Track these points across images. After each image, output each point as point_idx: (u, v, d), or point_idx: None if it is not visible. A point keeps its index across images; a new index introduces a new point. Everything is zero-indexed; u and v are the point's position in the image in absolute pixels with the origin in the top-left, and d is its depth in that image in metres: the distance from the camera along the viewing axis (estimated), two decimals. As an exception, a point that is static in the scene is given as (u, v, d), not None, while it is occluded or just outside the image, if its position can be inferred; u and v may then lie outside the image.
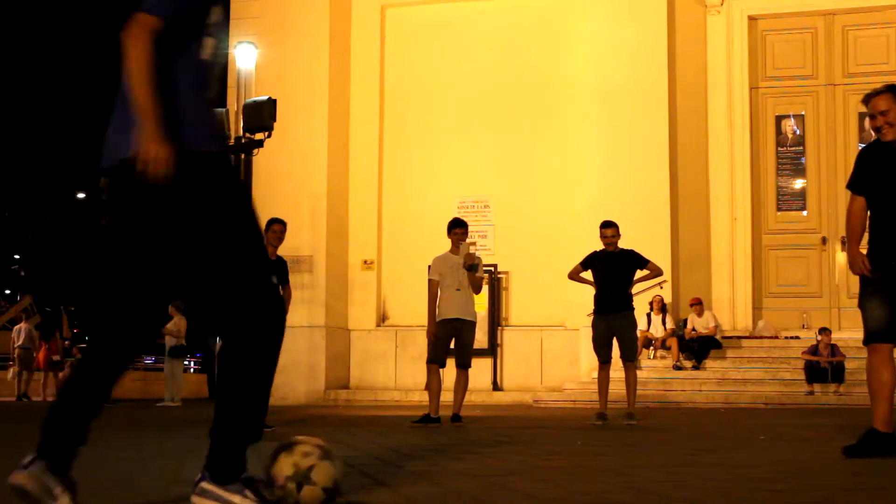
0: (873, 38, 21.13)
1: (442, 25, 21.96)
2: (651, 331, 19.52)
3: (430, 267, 13.26)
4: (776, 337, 19.80)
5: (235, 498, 4.20)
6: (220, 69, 4.38)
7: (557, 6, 21.32)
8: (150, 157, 3.83)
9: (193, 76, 4.18)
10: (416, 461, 7.36)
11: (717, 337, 19.61)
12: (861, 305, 7.05)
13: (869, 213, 7.14)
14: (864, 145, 7.59)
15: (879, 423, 6.74)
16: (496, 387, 20.73)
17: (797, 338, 19.25)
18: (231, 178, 4.24)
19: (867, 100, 7.02)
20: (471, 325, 12.96)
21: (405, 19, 22.35)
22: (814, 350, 17.94)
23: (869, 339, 6.96)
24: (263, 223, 12.28)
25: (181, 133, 3.99)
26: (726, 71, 21.06)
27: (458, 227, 12.91)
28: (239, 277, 4.22)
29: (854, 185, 7.23)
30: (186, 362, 36.43)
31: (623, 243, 12.97)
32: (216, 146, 4.21)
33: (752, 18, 21.23)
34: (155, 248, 4.16)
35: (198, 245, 4.09)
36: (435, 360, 12.87)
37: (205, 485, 4.27)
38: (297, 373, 20.29)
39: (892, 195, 6.95)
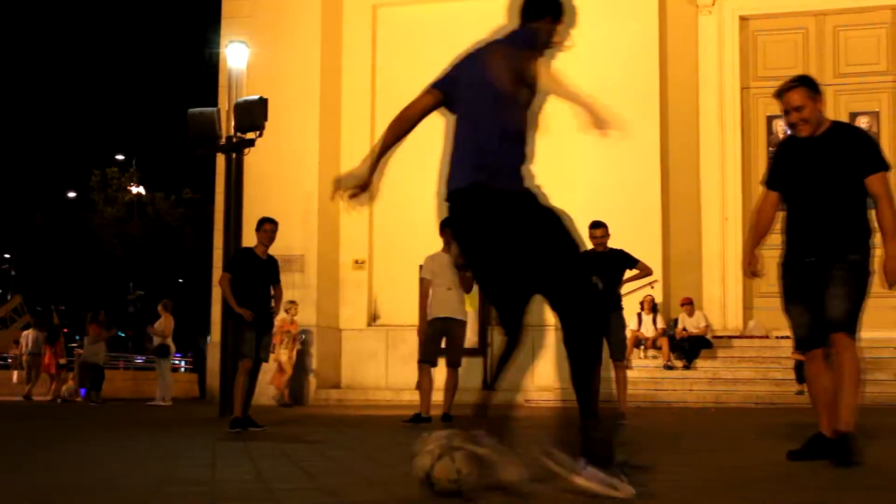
0: (864, 39, 21.21)
1: (434, 25, 21.94)
2: (642, 330, 19.56)
3: (421, 266, 13.28)
4: (767, 337, 19.84)
5: (615, 481, 4.79)
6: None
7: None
8: None
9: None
10: (409, 461, 7.38)
11: (708, 337, 19.66)
12: (785, 312, 6.82)
13: (785, 211, 6.89)
14: (780, 141, 7.24)
15: (827, 428, 6.58)
16: (487, 386, 20.72)
17: (788, 337, 19.15)
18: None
19: (780, 94, 6.71)
20: (461, 325, 13.01)
21: (397, 19, 22.35)
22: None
23: (799, 347, 6.85)
24: (255, 223, 12.39)
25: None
26: (717, 71, 21.12)
27: (448, 227, 12.93)
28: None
29: (770, 180, 7.01)
30: (178, 362, 36.45)
31: (614, 243, 13.00)
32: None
33: (743, 18, 21.30)
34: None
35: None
36: (426, 360, 12.91)
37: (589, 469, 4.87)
38: (288, 372, 20.28)
39: (809, 192, 6.68)
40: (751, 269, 6.93)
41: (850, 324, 6.50)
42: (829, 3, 21.02)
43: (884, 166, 6.54)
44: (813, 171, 6.61)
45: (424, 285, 13.02)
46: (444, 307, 12.76)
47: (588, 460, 4.89)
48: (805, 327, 6.65)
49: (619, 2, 20.62)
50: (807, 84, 6.65)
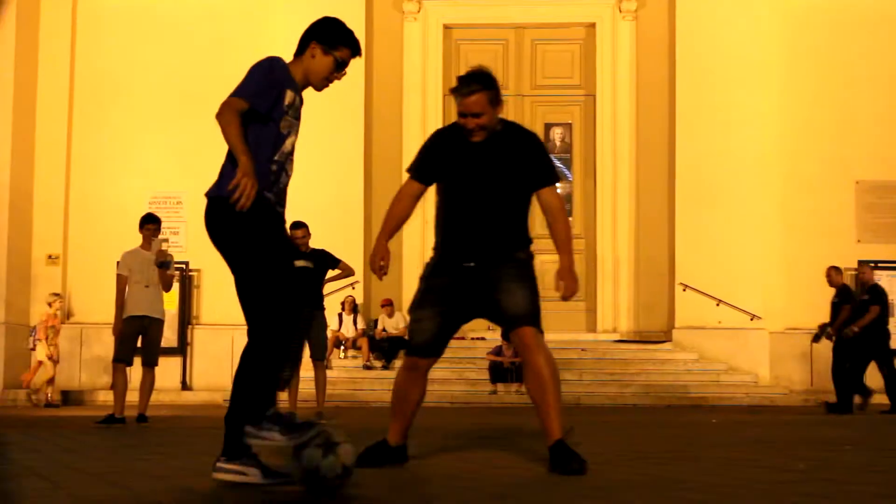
0: (560, 53, 21.99)
1: (139, 16, 21.42)
2: (342, 331, 19.66)
3: (118, 262, 12.94)
4: (463, 338, 20.23)
5: (249, 470, 5.08)
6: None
7: (255, 7, 21.20)
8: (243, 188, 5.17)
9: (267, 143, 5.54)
10: (98, 462, 7.17)
11: (407, 338, 19.93)
12: (415, 312, 6.42)
13: (439, 207, 6.37)
14: (439, 130, 6.60)
15: (394, 436, 6.44)
16: (185, 386, 20.44)
17: (483, 339, 19.76)
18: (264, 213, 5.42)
19: (459, 95, 6.05)
20: (158, 323, 12.80)
21: (100, 6, 21.68)
22: (498, 351, 18.52)
23: (413, 352, 6.45)
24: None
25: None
26: (421, 79, 21.45)
27: (150, 223, 12.74)
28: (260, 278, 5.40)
29: (418, 170, 6.40)
30: None
31: (318, 243, 13.03)
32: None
33: (447, 27, 21.70)
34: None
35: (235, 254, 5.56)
36: (121, 359, 12.62)
37: (220, 464, 5.17)
38: (-28, 371, 19.45)
39: (472, 194, 6.17)
40: (381, 263, 6.25)
41: (536, 317, 6.08)
42: (528, 17, 21.68)
43: (555, 178, 6.30)
44: (479, 173, 6.12)
45: (121, 281, 12.71)
46: (142, 305, 12.52)
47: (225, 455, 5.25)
48: (429, 334, 6.31)
49: (323, 4, 20.65)
50: (489, 88, 6.03)
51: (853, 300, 16.48)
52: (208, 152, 20.91)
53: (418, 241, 21.16)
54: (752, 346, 19.70)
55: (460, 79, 6.12)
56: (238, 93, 5.51)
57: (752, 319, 19.77)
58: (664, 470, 6.41)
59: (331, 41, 5.61)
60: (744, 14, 20.66)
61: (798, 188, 20.87)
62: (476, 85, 6.01)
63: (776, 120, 20.75)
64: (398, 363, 19.51)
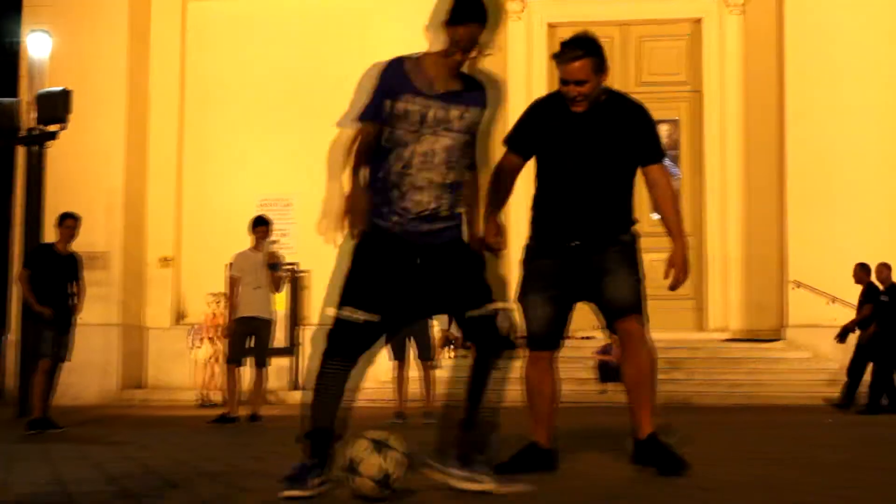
0: (666, 50, 21.81)
1: (246, 21, 21.72)
2: (452, 330, 19.63)
3: (230, 264, 13.15)
4: (570, 337, 20.18)
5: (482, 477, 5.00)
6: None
7: (364, 6, 21.32)
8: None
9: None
10: (212, 462, 7.29)
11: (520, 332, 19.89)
12: (524, 300, 5.96)
13: (539, 184, 6.01)
14: (539, 99, 6.19)
15: (540, 437, 6.03)
16: (295, 386, 20.63)
17: (591, 338, 19.64)
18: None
19: (561, 60, 5.75)
20: (268, 324, 12.95)
21: (208, 13, 22.01)
22: (607, 349, 18.40)
23: (532, 345, 5.97)
24: (56, 218, 12.05)
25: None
26: (525, 75, 21.38)
27: (261, 225, 12.92)
28: None
29: (515, 141, 6.00)
30: None
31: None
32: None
33: (551, 26, 21.60)
34: None
35: None
36: (232, 360, 12.82)
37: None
38: (91, 372, 19.77)
39: (572, 163, 5.82)
40: (495, 239, 5.42)
41: (639, 307, 5.82)
42: (633, 13, 21.52)
43: (662, 155, 6.01)
44: (581, 145, 5.78)
45: (233, 283, 12.93)
46: (252, 306, 12.70)
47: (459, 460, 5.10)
48: (544, 322, 5.91)
49: (427, 9, 20.73)
50: (593, 54, 5.69)
51: (876, 299, 16.07)
52: (316, 154, 21.19)
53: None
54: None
55: (564, 44, 5.81)
56: (360, 116, 5.24)
57: (863, 318, 19.42)
58: (772, 471, 6.36)
59: (445, 22, 5.18)
60: (855, 5, 20.29)
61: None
62: (580, 50, 5.70)
63: (888, 115, 20.33)
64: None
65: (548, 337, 5.94)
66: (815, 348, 19.33)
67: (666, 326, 19.75)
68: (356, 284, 5.20)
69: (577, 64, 5.65)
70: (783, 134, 20.41)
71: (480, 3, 4.98)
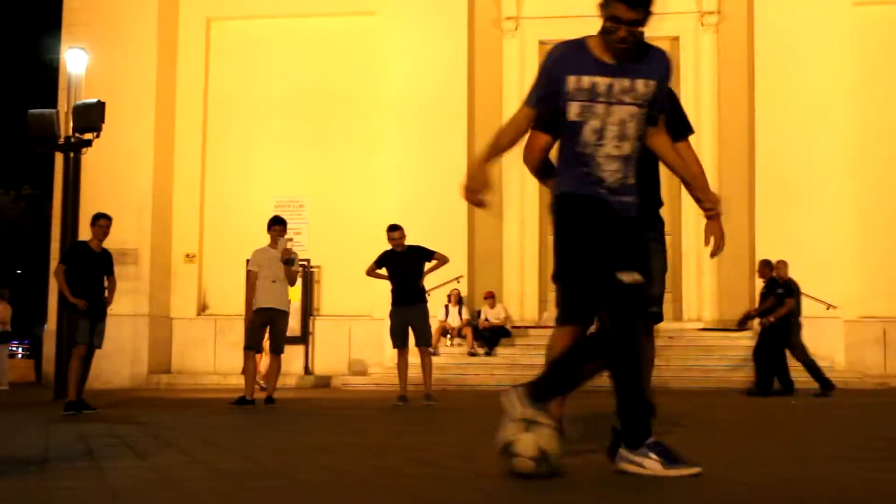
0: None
1: (263, 40, 21.79)
2: (448, 321, 19.74)
3: (248, 259, 13.20)
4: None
5: (645, 461, 4.56)
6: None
7: (370, 26, 21.38)
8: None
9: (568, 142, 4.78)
10: (232, 439, 7.31)
11: (508, 326, 19.96)
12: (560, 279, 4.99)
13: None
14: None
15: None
16: (307, 371, 20.70)
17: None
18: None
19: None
20: (284, 315, 13.01)
21: (230, 32, 22.09)
22: (592, 338, 18.43)
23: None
24: (91, 218, 12.05)
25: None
26: (518, 87, 21.38)
27: (277, 224, 12.99)
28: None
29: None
30: (15, 348, 35.20)
31: (423, 243, 13.12)
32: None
33: (542, 42, 21.59)
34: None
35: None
36: (251, 347, 12.86)
37: (622, 451, 4.66)
38: (122, 358, 19.89)
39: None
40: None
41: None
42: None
43: (691, 130, 5.87)
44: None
45: (251, 277, 12.97)
46: (269, 298, 12.73)
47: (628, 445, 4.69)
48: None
49: (432, 24, 20.76)
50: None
51: (775, 292, 16.12)
52: (327, 160, 21.30)
53: (517, 237, 21.19)
54: (828, 334, 19.33)
55: None
56: (526, 100, 4.84)
57: (828, 309, 19.43)
58: (739, 444, 6.37)
59: (605, 3, 4.64)
60: (819, 25, 20.32)
61: (869, 186, 20.52)
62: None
63: (849, 123, 20.38)
64: (500, 350, 19.62)
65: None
66: (782, 337, 19.40)
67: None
68: (614, 250, 4.69)
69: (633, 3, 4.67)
70: (753, 142, 20.47)
71: None
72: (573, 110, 4.68)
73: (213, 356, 21.02)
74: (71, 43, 19.97)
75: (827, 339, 19.30)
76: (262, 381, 15.93)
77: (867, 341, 20.14)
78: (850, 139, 20.43)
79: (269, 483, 4.64)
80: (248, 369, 12.82)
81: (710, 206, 5.12)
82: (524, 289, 21.17)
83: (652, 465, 4.58)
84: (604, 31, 4.66)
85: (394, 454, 6.13)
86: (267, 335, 12.94)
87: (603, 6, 4.64)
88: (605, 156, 4.70)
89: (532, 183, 21.31)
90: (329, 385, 19.82)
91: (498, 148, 4.94)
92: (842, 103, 20.40)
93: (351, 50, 21.43)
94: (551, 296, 21.10)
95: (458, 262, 13.48)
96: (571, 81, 4.68)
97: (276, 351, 12.94)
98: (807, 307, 18.63)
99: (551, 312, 20.76)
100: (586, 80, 4.64)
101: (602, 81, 4.66)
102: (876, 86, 20.70)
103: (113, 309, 12.63)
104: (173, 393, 17.92)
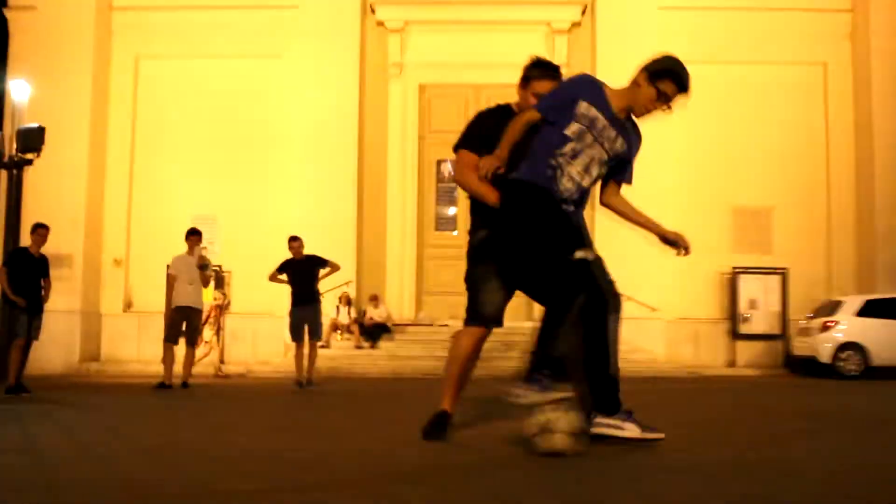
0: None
1: (185, 76, 21.48)
2: (339, 319, 19.76)
3: (169, 264, 13.14)
4: (432, 324, 20.36)
5: (624, 425, 4.58)
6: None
7: (276, 68, 21.28)
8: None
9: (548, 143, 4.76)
10: (151, 418, 7.32)
11: (389, 324, 20.02)
12: (475, 284, 5.20)
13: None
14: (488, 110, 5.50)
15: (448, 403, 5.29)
16: (221, 361, 20.51)
17: (447, 325, 19.88)
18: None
19: (532, 81, 5.13)
20: (199, 312, 13.01)
21: (156, 68, 21.67)
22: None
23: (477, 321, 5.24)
24: (31, 227, 11.82)
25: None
26: (401, 124, 21.54)
27: (194, 235, 13.00)
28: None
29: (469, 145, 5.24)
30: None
31: (318, 252, 13.25)
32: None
33: (422, 86, 21.75)
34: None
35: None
36: (169, 339, 12.80)
37: (599, 418, 4.61)
38: (56, 348, 19.36)
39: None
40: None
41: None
42: (483, 79, 21.52)
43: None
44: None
45: (171, 279, 12.94)
46: (187, 298, 12.73)
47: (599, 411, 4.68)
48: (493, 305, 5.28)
49: (327, 69, 20.77)
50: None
51: None
52: (237, 181, 21.18)
53: (398, 249, 21.30)
54: (651, 332, 19.79)
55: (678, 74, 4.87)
56: (536, 106, 4.94)
57: (651, 311, 19.84)
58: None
59: (657, 73, 4.77)
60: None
61: (689, 211, 21.00)
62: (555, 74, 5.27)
63: (675, 160, 20.90)
64: (383, 344, 19.65)
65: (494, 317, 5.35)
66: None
67: (505, 317, 20.06)
68: (566, 232, 4.74)
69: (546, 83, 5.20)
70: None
71: (689, 76, 4.81)
72: (572, 128, 4.75)
73: (137, 347, 20.66)
74: (15, 74, 19.55)
75: (650, 336, 19.82)
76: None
77: (682, 338, 20.68)
78: (678, 177, 20.91)
79: (182, 460, 4.70)
80: (167, 359, 12.75)
81: (679, 238, 5.31)
82: (403, 292, 21.28)
83: (631, 428, 4.62)
84: (650, 96, 4.77)
85: (296, 435, 6.21)
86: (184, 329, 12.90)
87: (654, 76, 4.76)
88: (569, 175, 4.79)
89: (412, 202, 21.50)
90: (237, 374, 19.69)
91: (510, 141, 4.88)
92: (671, 149, 20.75)
93: (259, 87, 21.34)
94: (426, 298, 21.32)
95: (348, 268, 13.62)
96: (583, 106, 4.76)
97: (192, 343, 12.91)
98: (636, 310, 19.16)
99: (426, 312, 20.97)
100: (594, 111, 4.74)
101: (602, 120, 4.77)
102: (700, 137, 21.06)
103: (49, 306, 12.46)
104: (101, 378, 17.65)
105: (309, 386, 12.47)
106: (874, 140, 20.62)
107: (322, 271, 13.13)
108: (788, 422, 7.13)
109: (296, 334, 12.96)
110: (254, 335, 20.45)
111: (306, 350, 13.07)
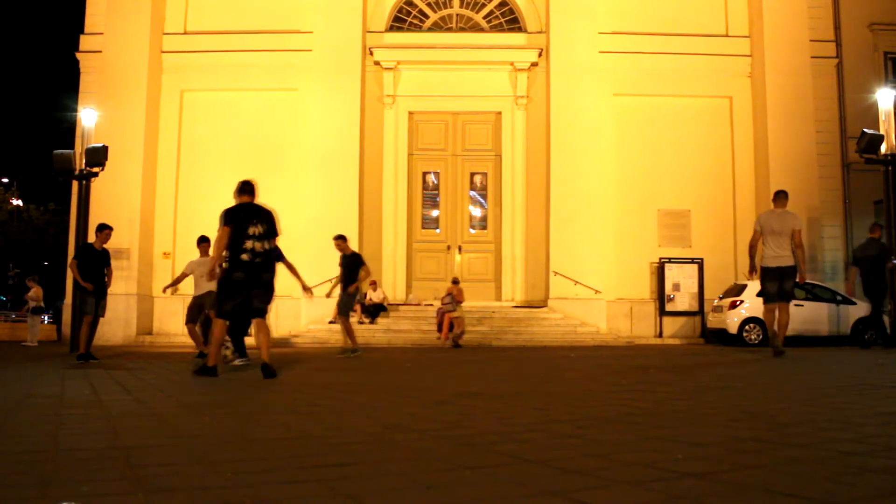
0: (479, 128, 22.10)
1: (220, 105, 21.47)
2: (374, 298, 19.65)
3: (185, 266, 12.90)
4: (419, 304, 20.45)
5: (238, 360, 6.80)
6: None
7: (294, 99, 21.30)
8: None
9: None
10: (196, 381, 7.33)
11: (385, 304, 20.06)
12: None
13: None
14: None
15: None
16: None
17: (431, 305, 19.93)
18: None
19: None
20: (212, 294, 12.75)
21: (197, 99, 21.67)
22: (442, 312, 18.63)
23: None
24: (96, 227, 11.78)
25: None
26: (394, 143, 21.60)
27: (204, 242, 12.70)
28: None
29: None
30: (44, 317, 33.71)
31: (325, 248, 13.16)
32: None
33: (410, 113, 21.82)
34: None
35: None
36: (190, 321, 12.53)
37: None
38: (117, 324, 19.43)
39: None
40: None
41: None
42: (460, 108, 21.72)
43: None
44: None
45: (182, 276, 12.62)
46: (200, 290, 12.40)
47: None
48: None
49: (335, 101, 20.78)
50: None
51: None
52: (262, 190, 20.99)
53: (391, 244, 21.26)
54: (595, 310, 19.87)
55: None
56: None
57: (595, 293, 19.95)
58: (531, 385, 6.64)
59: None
60: (592, 109, 20.92)
61: (625, 213, 21.20)
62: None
63: (612, 172, 21.04)
64: (380, 321, 19.62)
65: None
66: (566, 312, 19.89)
67: (477, 297, 20.22)
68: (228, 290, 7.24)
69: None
70: (548, 185, 20.95)
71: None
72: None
73: (181, 323, 20.65)
74: (84, 104, 19.52)
75: (595, 313, 19.92)
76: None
77: (620, 315, 20.79)
78: (614, 184, 21.09)
79: (219, 411, 4.77)
80: (194, 336, 12.44)
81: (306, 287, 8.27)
82: (396, 278, 21.31)
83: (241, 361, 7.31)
84: None
85: (311, 389, 6.21)
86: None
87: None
88: (253, 236, 7.33)
89: (403, 205, 21.52)
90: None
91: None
92: (608, 161, 21.05)
93: (280, 114, 21.34)
94: (415, 283, 21.34)
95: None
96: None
97: (209, 325, 12.63)
98: (583, 292, 19.21)
99: (414, 294, 21.01)
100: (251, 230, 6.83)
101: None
102: (631, 152, 21.32)
103: (111, 290, 12.46)
104: (153, 348, 17.63)
105: (354, 353, 12.34)
106: (769, 157, 20.79)
107: (360, 272, 12.73)
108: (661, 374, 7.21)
109: (344, 310, 12.67)
110: (275, 315, 20.46)
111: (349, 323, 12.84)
